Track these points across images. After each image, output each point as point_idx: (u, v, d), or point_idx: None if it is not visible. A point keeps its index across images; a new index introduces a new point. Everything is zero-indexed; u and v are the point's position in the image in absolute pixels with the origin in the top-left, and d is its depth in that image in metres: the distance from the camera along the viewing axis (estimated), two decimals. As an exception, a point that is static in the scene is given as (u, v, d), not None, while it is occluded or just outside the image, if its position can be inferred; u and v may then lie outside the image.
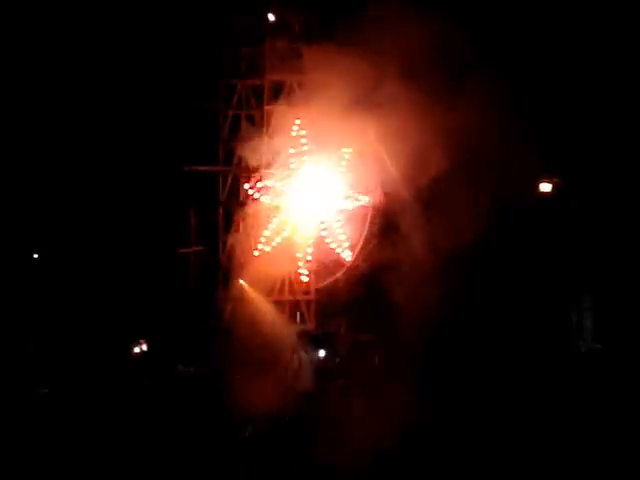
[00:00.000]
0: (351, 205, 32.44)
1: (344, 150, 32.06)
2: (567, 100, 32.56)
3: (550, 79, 32.42)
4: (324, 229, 32.36)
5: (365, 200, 32.37)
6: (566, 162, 32.70)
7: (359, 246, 32.24)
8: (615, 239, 32.88)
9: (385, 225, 32.16)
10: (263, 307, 32.41)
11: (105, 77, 33.35)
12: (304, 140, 32.16)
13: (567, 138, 32.41)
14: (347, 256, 32.22)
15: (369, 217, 32.35)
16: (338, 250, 32.29)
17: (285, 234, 32.50)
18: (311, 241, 32.33)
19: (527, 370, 30.45)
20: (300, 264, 32.36)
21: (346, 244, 32.24)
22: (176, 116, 33.05)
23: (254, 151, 32.95)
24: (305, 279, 32.53)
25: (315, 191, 32.63)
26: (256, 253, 32.43)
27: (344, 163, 32.14)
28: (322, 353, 33.22)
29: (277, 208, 32.73)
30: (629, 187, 32.82)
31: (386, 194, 32.07)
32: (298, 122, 32.03)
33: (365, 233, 32.27)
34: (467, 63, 30.18)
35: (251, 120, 33.68)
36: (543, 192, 33.05)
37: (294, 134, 32.15)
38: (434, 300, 28.97)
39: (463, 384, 29.07)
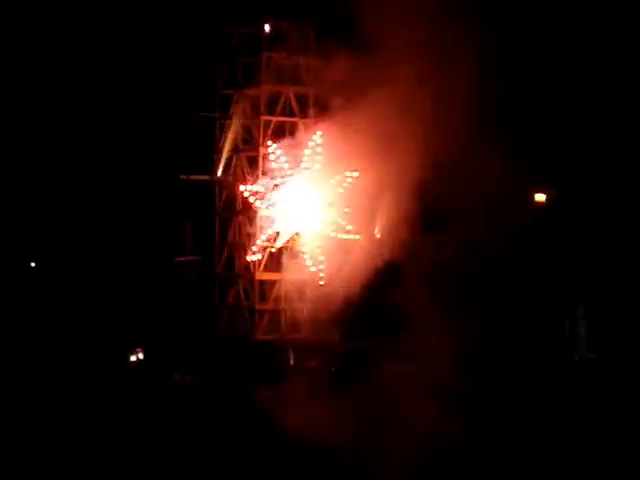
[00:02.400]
0: (340, 235, 32.65)
1: (349, 173, 32.25)
2: (561, 113, 32.89)
3: (544, 92, 32.74)
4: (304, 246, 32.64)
5: (356, 237, 32.58)
6: (560, 174, 33.01)
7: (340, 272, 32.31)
8: (608, 249, 33.16)
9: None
10: None
11: (102, 86, 33.52)
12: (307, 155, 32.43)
13: (561, 150, 32.72)
14: (321, 278, 32.32)
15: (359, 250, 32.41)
16: (312, 269, 32.45)
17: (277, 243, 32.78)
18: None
19: (522, 377, 30.60)
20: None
21: (322, 266, 32.41)
22: (173, 125, 33.23)
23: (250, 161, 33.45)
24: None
25: (308, 207, 32.87)
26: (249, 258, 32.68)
27: (345, 185, 32.26)
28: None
29: (271, 218, 32.93)
30: (623, 198, 33.14)
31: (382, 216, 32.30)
32: (319, 133, 32.12)
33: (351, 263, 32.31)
34: (464, 80, 30.32)
35: (248, 130, 33.95)
36: (537, 202, 33.43)
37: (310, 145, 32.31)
38: (432, 309, 29.15)
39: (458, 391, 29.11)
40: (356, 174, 31.94)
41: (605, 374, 32.19)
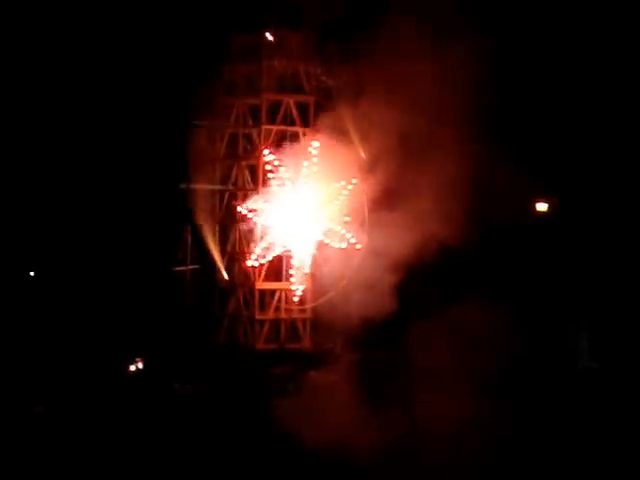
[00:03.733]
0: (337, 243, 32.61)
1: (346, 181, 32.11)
2: (564, 123, 32.95)
3: (546, 99, 32.79)
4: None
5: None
6: (562, 183, 33.04)
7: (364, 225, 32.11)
8: (610, 260, 33.21)
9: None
10: None
11: (101, 93, 33.37)
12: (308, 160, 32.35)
13: (564, 160, 32.76)
14: (357, 241, 32.05)
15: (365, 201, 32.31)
16: (343, 245, 32.15)
17: (278, 251, 32.64)
18: (309, 257, 32.48)
19: (527, 385, 30.59)
20: (294, 280, 32.56)
21: (349, 235, 32.13)
22: (172, 134, 33.06)
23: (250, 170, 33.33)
24: (296, 299, 32.75)
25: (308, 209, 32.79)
26: (248, 263, 32.65)
27: (345, 192, 32.18)
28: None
29: (271, 226, 32.78)
30: (625, 207, 33.18)
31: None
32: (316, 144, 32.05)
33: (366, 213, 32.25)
34: (465, 89, 30.33)
35: (248, 139, 33.83)
36: (539, 212, 33.47)
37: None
38: (435, 317, 29.16)
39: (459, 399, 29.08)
40: (355, 180, 31.89)
41: (607, 383, 32.20)
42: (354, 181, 31.90)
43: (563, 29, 32.41)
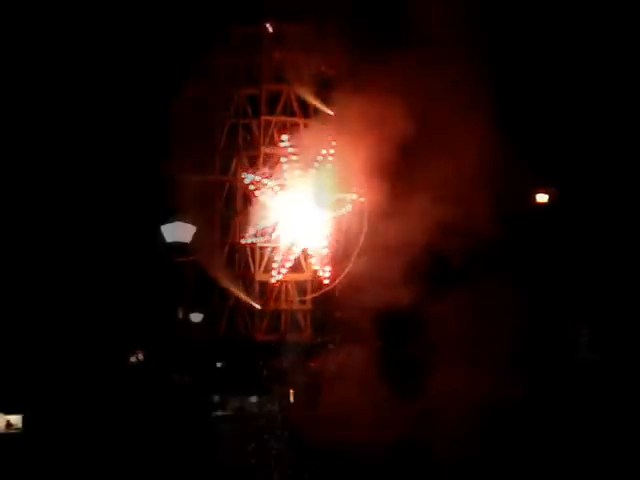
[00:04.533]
0: (343, 209, 32.55)
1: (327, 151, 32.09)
2: (564, 112, 32.84)
3: (545, 91, 32.68)
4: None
5: (356, 198, 32.37)
6: (562, 175, 32.98)
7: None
8: (610, 253, 33.18)
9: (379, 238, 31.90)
10: None
11: (99, 84, 33.30)
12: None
13: (564, 149, 32.66)
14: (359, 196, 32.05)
15: (365, 215, 32.22)
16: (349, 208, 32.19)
17: (295, 254, 32.72)
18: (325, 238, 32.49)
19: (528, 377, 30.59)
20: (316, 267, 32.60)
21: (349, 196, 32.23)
22: (172, 125, 32.99)
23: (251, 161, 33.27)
24: (327, 281, 32.68)
25: (309, 199, 32.75)
26: (273, 280, 32.79)
27: (330, 158, 32.05)
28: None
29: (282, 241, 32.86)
30: (626, 198, 33.10)
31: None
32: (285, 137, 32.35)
33: (363, 232, 32.12)
34: (464, 81, 30.21)
35: (248, 130, 33.77)
36: (539, 202, 33.40)
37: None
38: (434, 310, 29.13)
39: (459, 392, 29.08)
40: (334, 143, 31.82)
41: (606, 374, 32.21)
42: (333, 143, 31.86)
43: (563, 25, 32.31)
